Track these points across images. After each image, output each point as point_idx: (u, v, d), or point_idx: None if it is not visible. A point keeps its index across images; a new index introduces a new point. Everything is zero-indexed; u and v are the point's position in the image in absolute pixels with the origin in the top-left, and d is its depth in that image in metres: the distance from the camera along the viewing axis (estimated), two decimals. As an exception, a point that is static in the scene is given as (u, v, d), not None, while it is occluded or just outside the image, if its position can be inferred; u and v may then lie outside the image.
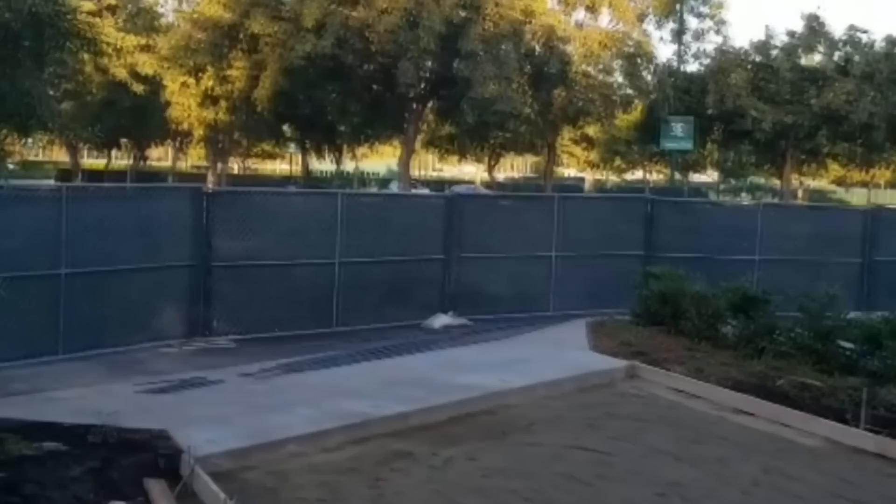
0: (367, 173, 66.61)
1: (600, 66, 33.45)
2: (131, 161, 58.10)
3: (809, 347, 11.97)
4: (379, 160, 66.90)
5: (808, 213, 22.23)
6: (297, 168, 60.16)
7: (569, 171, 71.16)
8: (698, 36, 37.17)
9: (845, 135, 37.00)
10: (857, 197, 68.61)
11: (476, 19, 29.36)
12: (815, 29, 36.46)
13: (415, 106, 34.00)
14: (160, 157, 74.23)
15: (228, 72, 32.72)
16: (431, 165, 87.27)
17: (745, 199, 54.32)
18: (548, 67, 31.27)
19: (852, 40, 36.05)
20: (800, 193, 61.76)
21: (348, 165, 58.42)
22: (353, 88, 32.54)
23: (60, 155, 65.54)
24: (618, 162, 57.99)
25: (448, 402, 9.69)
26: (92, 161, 65.12)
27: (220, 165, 43.80)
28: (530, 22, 31.17)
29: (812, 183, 70.54)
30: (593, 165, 60.72)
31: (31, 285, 10.64)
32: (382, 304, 14.28)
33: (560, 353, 12.49)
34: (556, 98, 33.43)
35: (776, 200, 42.78)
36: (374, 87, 33.13)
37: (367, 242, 14.04)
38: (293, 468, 7.79)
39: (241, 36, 32.04)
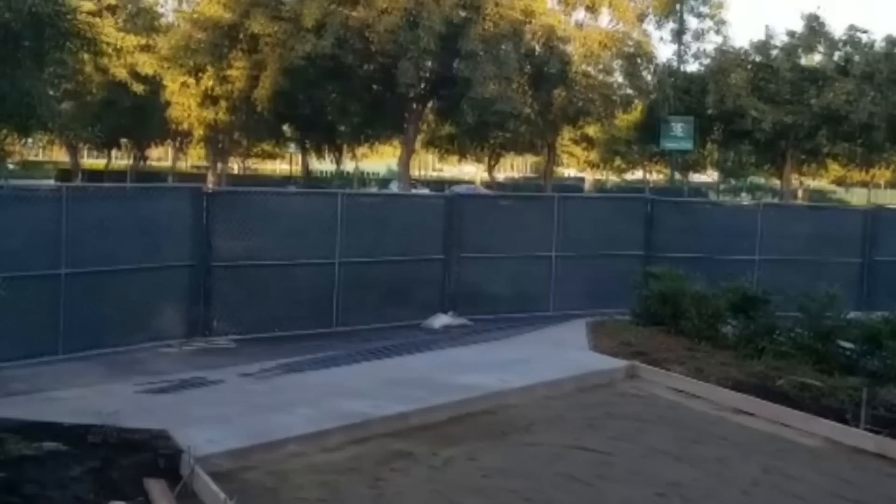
0: (367, 173, 66.61)
1: (600, 66, 33.47)
2: (131, 161, 58.11)
3: (809, 347, 11.97)
4: (379, 160, 66.90)
5: (808, 213, 22.21)
6: (297, 168, 60.18)
7: (569, 171, 71.17)
8: (698, 36, 37.24)
9: (845, 135, 37.00)
10: (857, 197, 68.58)
11: (476, 19, 29.36)
12: (815, 29, 36.47)
13: (415, 106, 34.00)
14: (160, 157, 74.24)
15: (228, 72, 32.73)
16: (431, 165, 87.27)
17: (745, 199, 54.31)
18: (548, 67, 31.28)
19: (852, 40, 36.06)
20: (800, 193, 61.76)
21: (348, 165, 58.43)
22: (353, 88, 32.54)
23: (60, 155, 65.54)
24: (618, 162, 58.00)
25: (448, 402, 9.69)
26: (92, 161, 65.12)
27: (220, 165, 43.81)
28: (530, 22, 31.18)
29: (812, 183, 70.54)
30: (593, 165, 60.71)
31: (31, 285, 10.64)
32: (382, 304, 14.27)
33: (560, 353, 12.49)
34: (556, 98, 33.44)
35: (776, 200, 42.77)
36: (374, 87, 33.14)
37: (367, 242, 14.03)
38: (293, 468, 7.79)
39: (241, 36, 32.05)
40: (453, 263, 15.11)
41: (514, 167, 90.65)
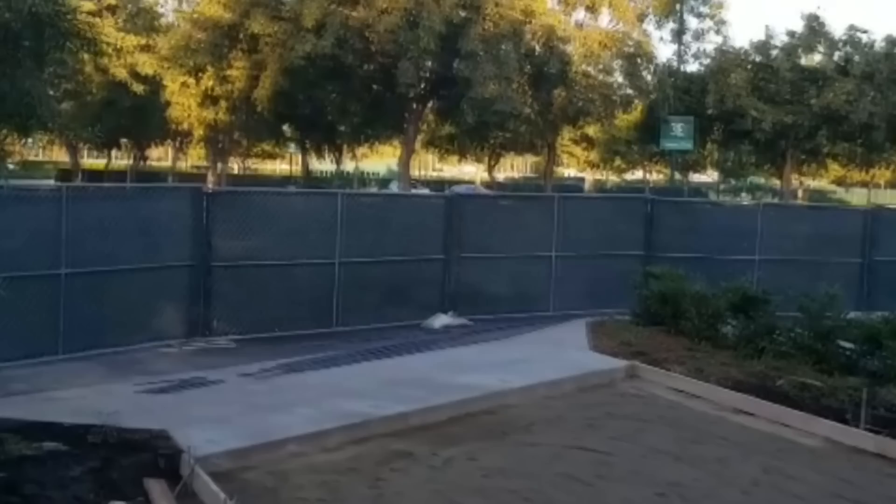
0: (367, 173, 66.61)
1: (600, 66, 33.48)
2: (131, 161, 58.10)
3: (809, 347, 11.97)
4: (379, 160, 66.92)
5: (808, 213, 22.20)
6: (297, 168, 60.17)
7: (569, 171, 71.20)
8: (698, 36, 37.29)
9: (845, 135, 37.03)
10: (857, 197, 68.57)
11: (476, 19, 29.37)
12: (815, 29, 36.50)
13: (415, 106, 34.01)
14: (160, 157, 74.25)
15: (228, 72, 32.74)
16: (431, 165, 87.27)
17: (745, 199, 54.31)
18: (548, 67, 31.29)
19: (852, 40, 36.08)
20: (800, 193, 61.76)
21: (348, 165, 58.43)
22: (353, 88, 32.55)
23: (60, 155, 65.54)
24: (618, 162, 58.03)
25: (448, 402, 9.69)
26: (92, 161, 65.12)
27: (220, 165, 43.82)
28: (530, 22, 31.19)
29: (812, 183, 70.55)
30: (593, 165, 60.75)
31: (31, 285, 10.63)
32: (382, 304, 14.27)
33: (560, 353, 12.49)
34: (556, 98, 33.44)
35: (776, 200, 42.77)
36: (374, 87, 33.15)
37: (367, 242, 14.03)
38: (293, 468, 7.79)
39: (241, 36, 32.06)
40: (453, 263, 15.10)
41: (514, 167, 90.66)
